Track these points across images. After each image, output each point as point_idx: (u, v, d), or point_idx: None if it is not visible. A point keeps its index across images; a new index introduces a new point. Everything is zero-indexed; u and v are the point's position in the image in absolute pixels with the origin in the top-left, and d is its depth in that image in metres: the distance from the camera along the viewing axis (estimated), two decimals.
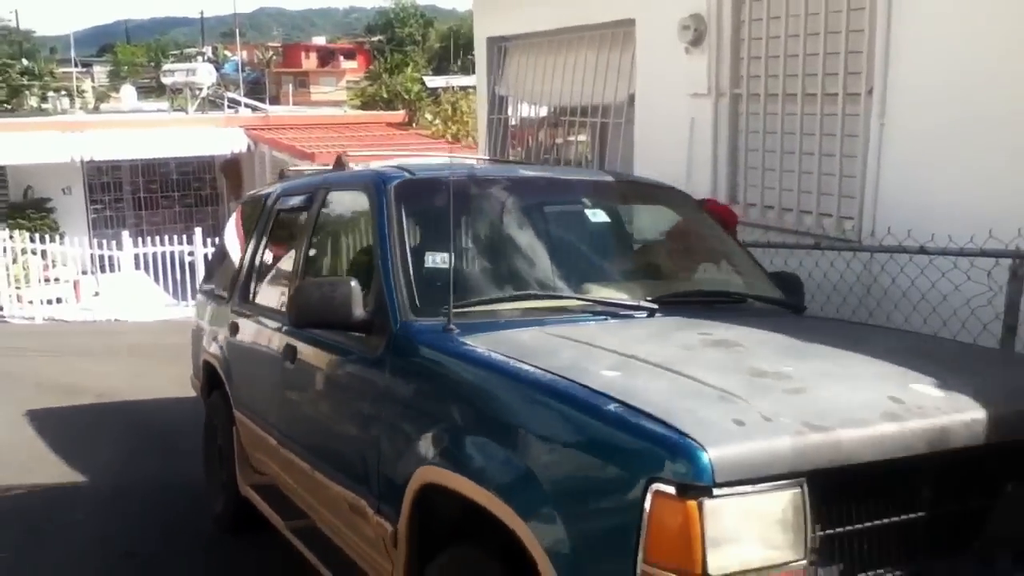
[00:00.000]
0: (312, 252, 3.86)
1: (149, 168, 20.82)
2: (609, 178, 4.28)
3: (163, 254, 15.16)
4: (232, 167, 21.35)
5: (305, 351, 3.52)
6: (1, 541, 4.92)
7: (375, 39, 53.64)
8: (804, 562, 1.84)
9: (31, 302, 14.49)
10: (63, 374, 10.19)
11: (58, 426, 7.80)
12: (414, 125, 24.47)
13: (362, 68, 48.07)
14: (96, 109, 26.99)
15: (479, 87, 8.60)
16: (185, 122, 20.87)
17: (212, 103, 23.09)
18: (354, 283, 2.96)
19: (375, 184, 3.38)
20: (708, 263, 3.74)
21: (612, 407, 2.01)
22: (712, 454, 1.77)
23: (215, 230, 17.95)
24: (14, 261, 14.63)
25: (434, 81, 36.68)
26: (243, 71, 31.73)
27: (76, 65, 35.81)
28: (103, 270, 15.14)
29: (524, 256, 3.33)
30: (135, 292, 14.42)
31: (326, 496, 3.30)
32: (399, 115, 24.62)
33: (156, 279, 14.77)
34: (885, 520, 1.99)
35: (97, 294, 15.17)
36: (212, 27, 51.99)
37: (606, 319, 2.96)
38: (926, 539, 2.05)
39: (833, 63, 4.67)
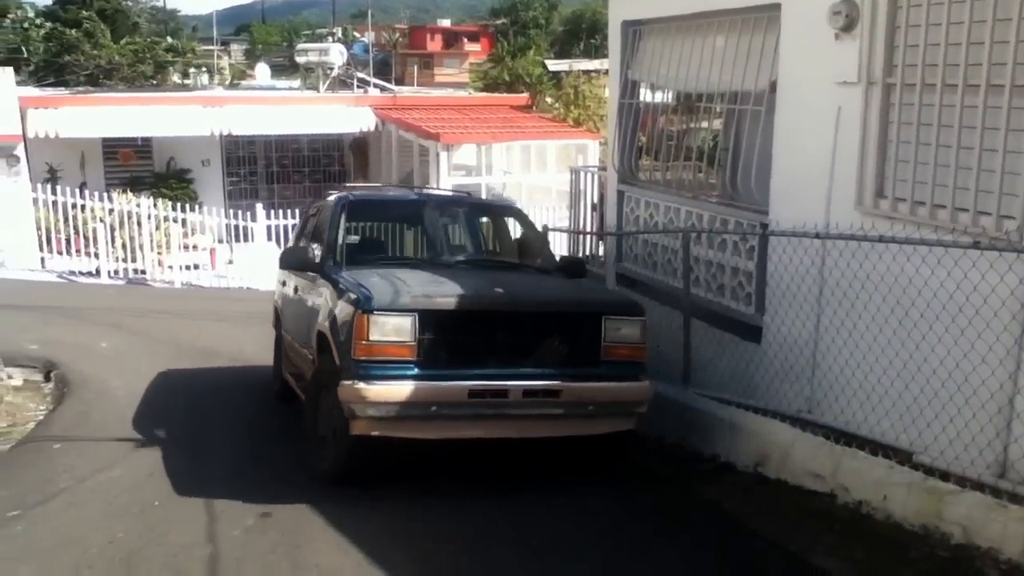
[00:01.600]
0: (308, 231, 7.11)
1: (282, 144, 21.58)
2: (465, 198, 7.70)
3: (293, 226, 15.74)
4: (360, 145, 21.92)
5: (296, 282, 6.63)
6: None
7: (499, 22, 53.92)
8: (413, 343, 4.80)
9: (171, 267, 15.32)
10: (198, 337, 10.73)
11: (194, 385, 8.25)
12: (535, 108, 24.49)
13: (485, 51, 48.37)
14: (234, 85, 28.14)
15: (611, 71, 8.52)
16: (317, 100, 21.54)
17: (342, 82, 23.71)
18: (315, 246, 6.21)
19: (337, 200, 6.50)
20: (519, 249, 6.69)
21: (359, 288, 5.06)
22: (374, 301, 4.86)
23: None
24: (156, 228, 15.48)
25: (556, 65, 36.61)
26: (371, 51, 32.44)
27: (216, 43, 37.38)
28: (237, 239, 15.85)
29: (397, 240, 7.27)
30: (266, 261, 15.03)
31: (301, 355, 6.29)
32: (522, 98, 24.67)
33: None
34: (462, 337, 4.94)
35: (231, 262, 15.90)
36: (342, 8, 53.38)
37: (419, 269, 5.69)
38: (504, 352, 4.97)
39: (1000, 52, 4.40)
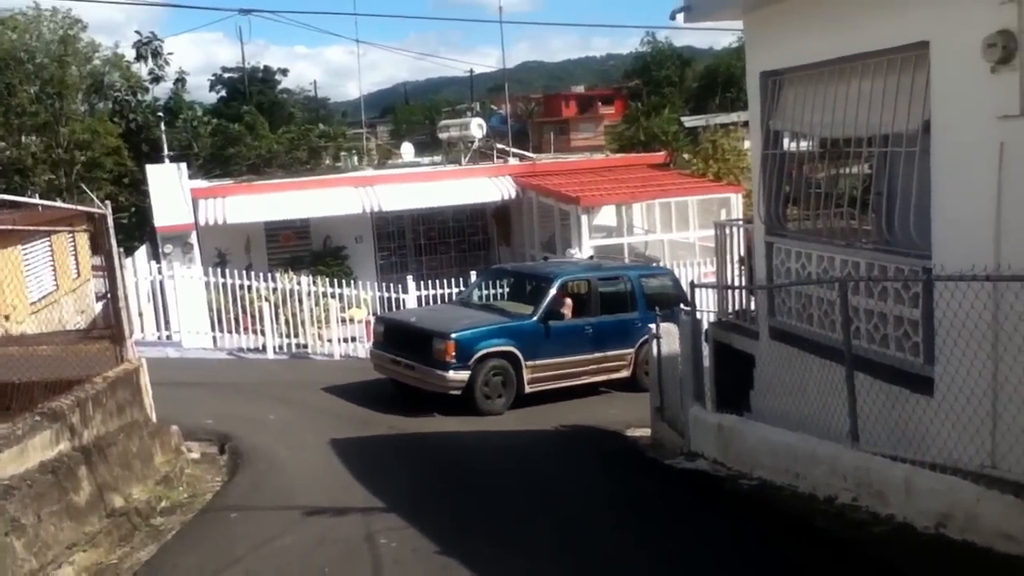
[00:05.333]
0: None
1: (428, 217, 22.38)
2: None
3: (442, 296, 16.24)
4: (502, 213, 22.45)
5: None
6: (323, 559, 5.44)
7: (632, 83, 54.41)
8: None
9: (330, 341, 16.04)
10: (357, 408, 11.15)
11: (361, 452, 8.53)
12: (672, 165, 24.40)
13: (619, 112, 48.77)
14: (382, 165, 29.55)
15: (751, 122, 8.42)
16: (459, 173, 22.31)
17: (482, 154, 24.47)
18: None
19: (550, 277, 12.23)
20: None
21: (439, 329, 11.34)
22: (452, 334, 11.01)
23: None
24: (316, 304, 16.30)
25: (692, 120, 36.51)
26: (509, 122, 33.38)
27: (364, 126, 39.46)
28: (390, 311, 16.43)
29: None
30: None
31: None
32: (659, 156, 24.66)
33: None
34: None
35: None
36: (479, 83, 55.34)
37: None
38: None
39: None
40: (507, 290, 13.44)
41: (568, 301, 11.93)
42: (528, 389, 11.32)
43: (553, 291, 11.74)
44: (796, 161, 7.88)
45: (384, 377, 12.05)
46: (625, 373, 12.09)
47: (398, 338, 11.76)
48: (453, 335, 10.93)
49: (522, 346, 11.27)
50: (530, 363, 11.29)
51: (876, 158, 6.72)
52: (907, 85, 6.07)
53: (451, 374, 10.80)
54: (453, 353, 10.82)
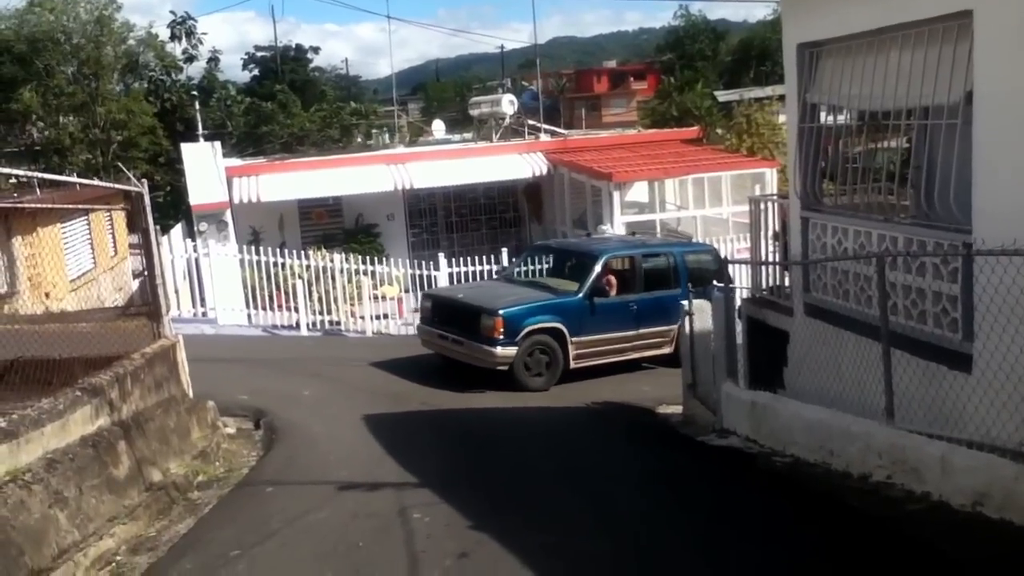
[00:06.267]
0: None
1: (459, 194, 22.39)
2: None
3: (473, 273, 16.27)
4: (533, 190, 22.38)
5: None
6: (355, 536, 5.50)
7: (665, 58, 53.77)
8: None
9: (362, 318, 16.17)
10: (390, 383, 11.22)
11: (392, 429, 8.59)
12: (705, 140, 24.15)
13: (652, 88, 48.31)
14: (413, 142, 29.57)
15: (788, 96, 8.28)
16: (490, 150, 22.25)
17: (513, 131, 24.37)
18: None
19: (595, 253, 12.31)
20: None
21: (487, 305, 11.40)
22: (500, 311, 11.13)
23: (518, 250, 18.92)
24: (348, 281, 16.41)
25: (726, 95, 36.04)
26: (540, 99, 33.18)
27: (395, 104, 39.47)
28: (421, 288, 16.50)
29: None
30: None
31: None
32: (692, 131, 24.40)
33: None
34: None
35: (416, 310, 16.55)
36: (511, 59, 55.05)
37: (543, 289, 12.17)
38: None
39: None
40: (549, 266, 13.47)
41: (611, 278, 11.99)
42: (573, 365, 11.41)
43: (598, 268, 11.80)
44: (833, 135, 7.74)
45: (431, 352, 12.21)
46: (668, 349, 12.08)
47: (446, 314, 11.88)
48: (501, 311, 11.03)
49: (568, 322, 11.34)
50: (575, 339, 11.37)
51: (915, 131, 6.58)
52: (948, 56, 5.92)
53: (499, 350, 10.91)
54: (501, 329, 10.93)
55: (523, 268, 13.87)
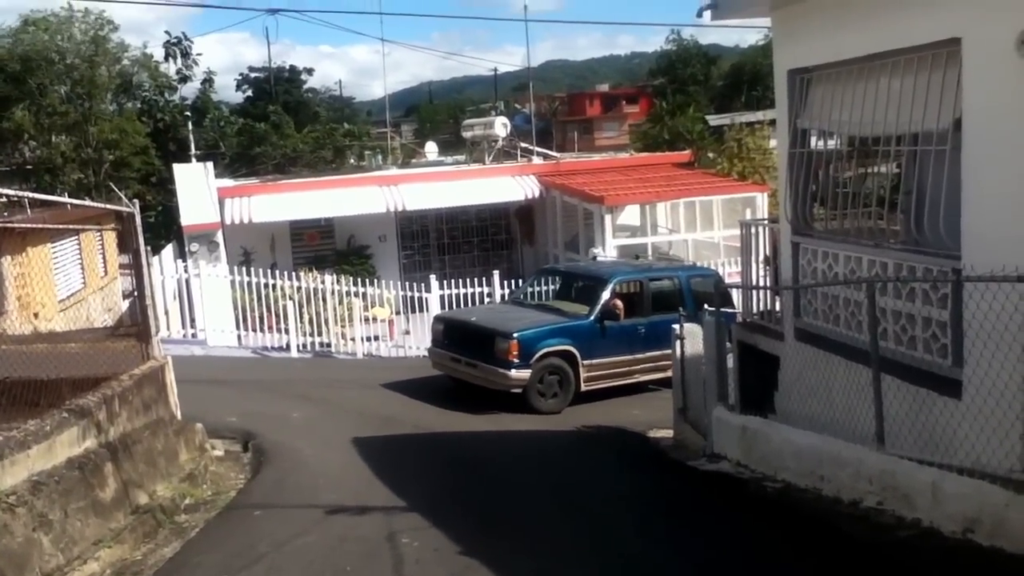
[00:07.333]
0: None
1: (451, 216, 22.40)
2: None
3: (465, 295, 16.26)
4: (525, 212, 22.43)
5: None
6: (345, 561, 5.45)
7: (657, 82, 54.13)
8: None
9: (353, 339, 16.10)
10: (380, 406, 11.17)
11: (382, 452, 8.54)
12: (697, 164, 24.26)
13: (643, 111, 48.64)
14: (406, 164, 29.60)
15: (779, 121, 8.33)
16: (483, 172, 22.31)
17: (506, 153, 24.45)
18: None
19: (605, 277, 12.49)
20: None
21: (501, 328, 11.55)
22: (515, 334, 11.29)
23: (510, 273, 18.91)
24: (339, 303, 16.37)
25: (718, 119, 36.27)
26: (533, 122, 33.33)
27: (388, 125, 39.58)
28: (412, 310, 16.48)
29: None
30: None
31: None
32: (684, 155, 24.53)
33: None
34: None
35: (407, 332, 16.52)
36: (504, 82, 55.38)
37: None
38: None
39: None
40: (557, 289, 13.67)
41: (618, 301, 12.08)
42: (584, 388, 11.53)
43: (608, 291, 11.95)
44: (823, 160, 7.78)
45: (438, 373, 12.31)
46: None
47: (458, 337, 11.94)
48: (516, 334, 11.15)
49: (579, 345, 11.49)
50: (586, 362, 11.50)
51: (905, 157, 6.62)
52: (938, 82, 5.97)
53: (513, 372, 11.01)
54: (516, 352, 11.01)
55: (532, 291, 14.01)
